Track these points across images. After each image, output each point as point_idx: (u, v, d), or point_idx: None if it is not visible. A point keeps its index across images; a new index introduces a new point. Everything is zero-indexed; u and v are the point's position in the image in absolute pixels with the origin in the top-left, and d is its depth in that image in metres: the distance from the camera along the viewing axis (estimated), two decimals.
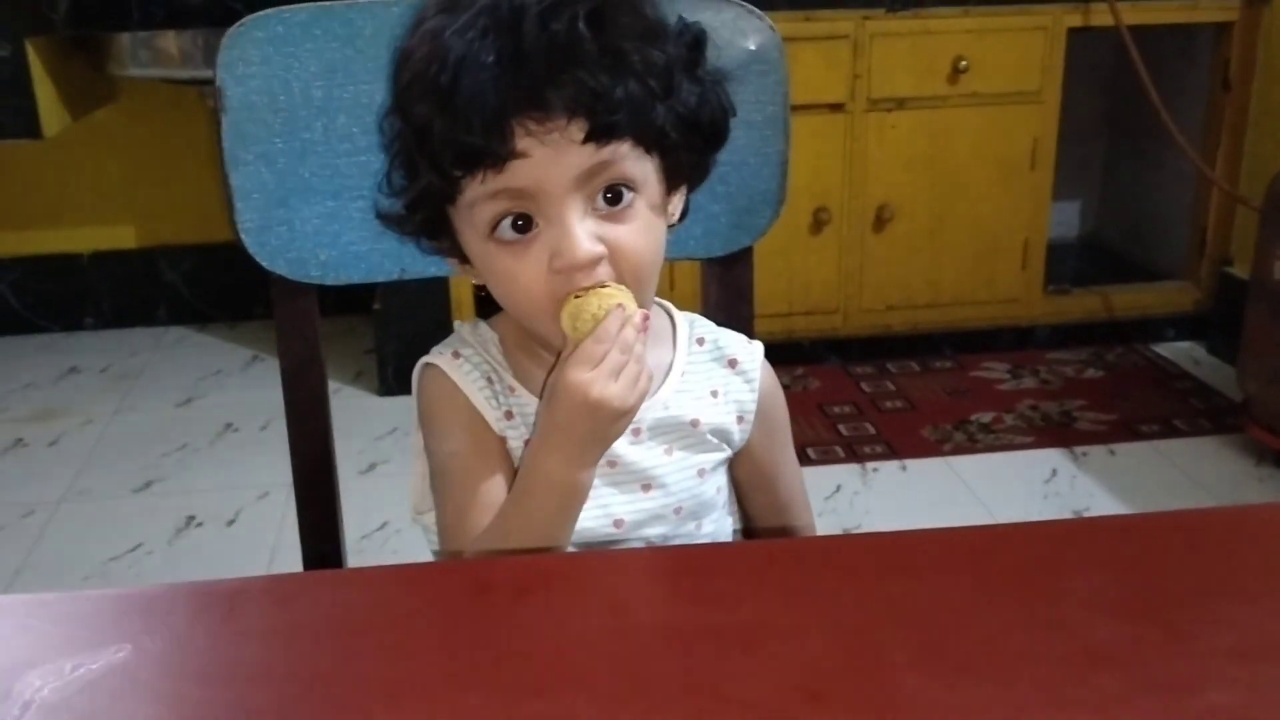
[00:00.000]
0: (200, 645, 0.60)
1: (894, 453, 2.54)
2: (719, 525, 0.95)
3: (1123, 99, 3.26)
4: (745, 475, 0.97)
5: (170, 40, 2.61)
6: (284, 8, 0.96)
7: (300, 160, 0.97)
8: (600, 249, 0.80)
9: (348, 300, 2.83)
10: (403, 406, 2.74)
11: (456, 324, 0.95)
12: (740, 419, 0.94)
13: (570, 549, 0.85)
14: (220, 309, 3.31)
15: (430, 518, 0.93)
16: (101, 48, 2.67)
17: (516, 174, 0.79)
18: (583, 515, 0.87)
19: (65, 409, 2.83)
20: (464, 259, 0.89)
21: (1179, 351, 3.04)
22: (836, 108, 2.71)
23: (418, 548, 2.32)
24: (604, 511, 0.89)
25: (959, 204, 2.84)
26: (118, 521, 2.33)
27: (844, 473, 2.45)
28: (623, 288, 0.81)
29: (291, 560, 2.18)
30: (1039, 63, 2.75)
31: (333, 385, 2.79)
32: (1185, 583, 0.63)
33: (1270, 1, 2.76)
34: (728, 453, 0.94)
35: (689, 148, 0.85)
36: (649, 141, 0.81)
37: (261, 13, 0.95)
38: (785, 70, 1.02)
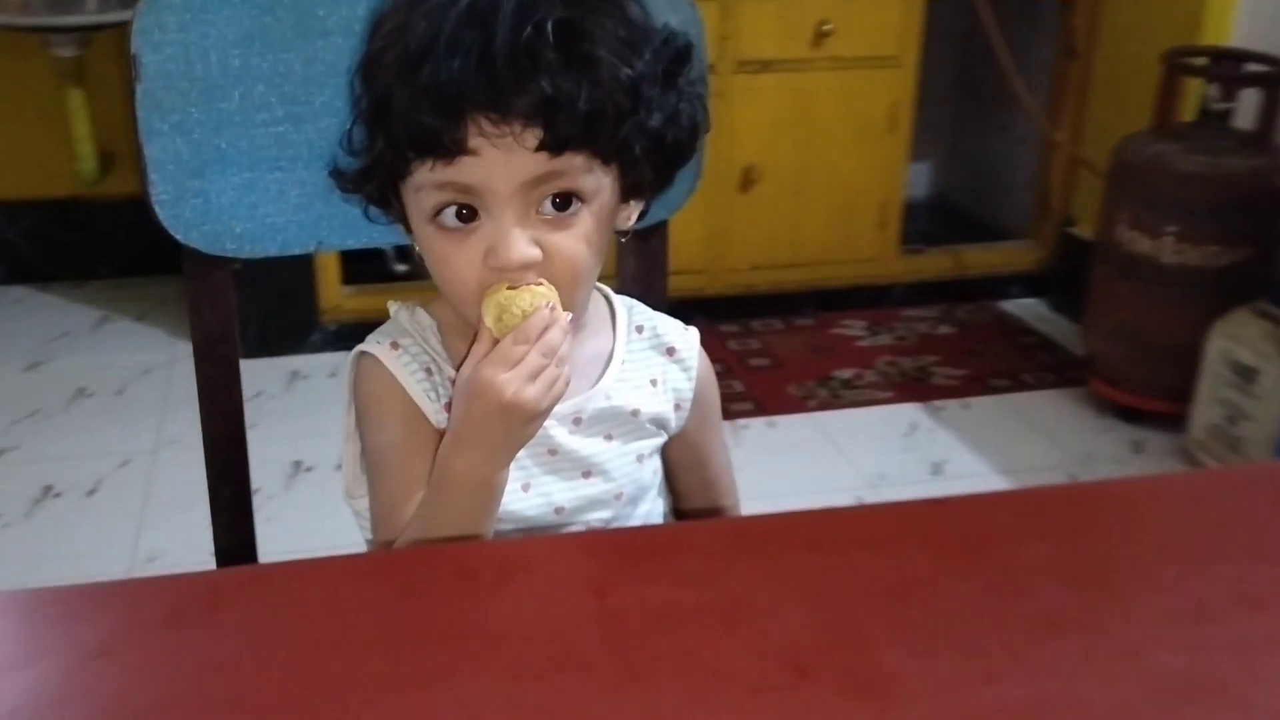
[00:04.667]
0: (181, 642, 0.59)
1: (762, 410, 2.60)
2: (653, 506, 0.97)
3: (973, 64, 3.37)
4: (677, 457, 0.99)
5: None
6: None
7: (216, 131, 0.95)
8: (535, 254, 0.80)
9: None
10: (267, 370, 2.68)
11: (392, 308, 0.93)
12: (678, 406, 0.95)
13: (513, 535, 0.85)
14: (63, 268, 3.16)
15: (362, 503, 0.92)
16: None
17: (465, 170, 0.78)
18: (524, 503, 0.88)
19: None
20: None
21: (1024, 308, 3.18)
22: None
23: (291, 514, 2.28)
24: (545, 499, 0.90)
25: (821, 166, 2.91)
26: None
27: None
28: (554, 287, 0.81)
29: (160, 531, 2.13)
30: (898, 28, 2.82)
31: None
32: (1125, 549, 0.68)
33: None
34: (664, 438, 0.96)
35: (651, 164, 0.84)
36: (607, 155, 0.80)
37: None
38: (705, 46, 1.03)
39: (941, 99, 3.46)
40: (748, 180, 2.85)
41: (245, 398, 2.72)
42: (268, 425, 2.46)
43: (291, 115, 0.95)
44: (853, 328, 3.01)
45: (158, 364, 2.72)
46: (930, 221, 3.46)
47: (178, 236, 0.96)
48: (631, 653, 0.58)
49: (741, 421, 2.54)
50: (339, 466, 0.95)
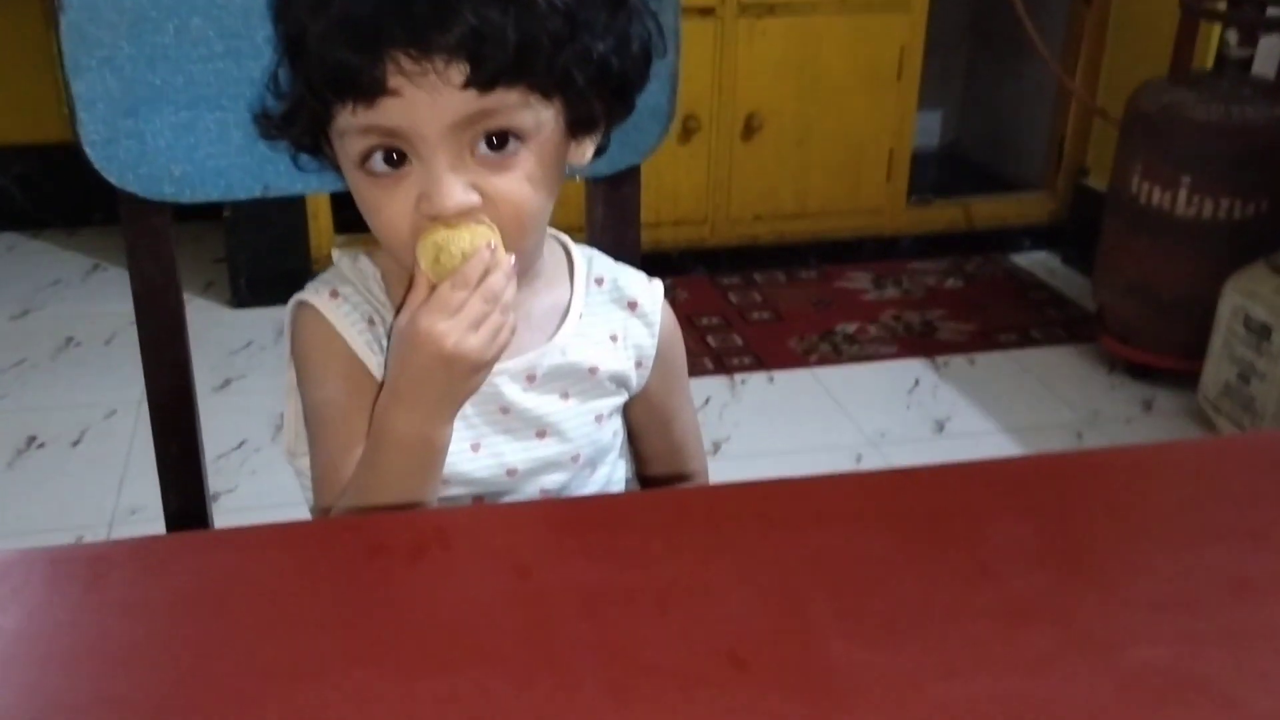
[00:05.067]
0: (60, 620, 0.54)
1: (761, 364, 2.54)
2: (613, 470, 0.91)
3: (986, 9, 3.27)
4: (640, 418, 0.93)
5: None
6: None
7: (150, 67, 0.88)
8: (473, 199, 0.73)
9: (196, 205, 2.68)
10: (257, 319, 2.63)
11: (335, 254, 0.87)
12: (639, 364, 0.89)
13: (463, 498, 0.80)
14: (56, 215, 3.11)
15: (304, 462, 0.86)
16: None
17: (387, 112, 0.72)
18: (474, 464, 0.82)
19: None
20: None
21: (1035, 262, 3.10)
22: (707, 12, 2.64)
23: (278, 467, 2.24)
24: (497, 460, 0.84)
25: (826, 113, 2.82)
26: None
27: (713, 385, 2.44)
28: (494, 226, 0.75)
29: (143, 484, 2.08)
30: None
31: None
32: (1103, 527, 0.62)
33: None
34: (625, 397, 0.90)
35: (599, 96, 0.77)
36: (545, 88, 0.73)
37: None
38: None
39: (953, 45, 3.36)
40: (750, 128, 2.77)
41: (234, 348, 2.68)
42: (257, 376, 2.42)
43: (232, 50, 0.89)
44: (857, 281, 2.94)
45: None
46: (940, 172, 3.37)
47: (111, 180, 0.90)
48: (551, 641, 0.53)
49: (740, 376, 2.48)
50: None
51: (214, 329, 2.57)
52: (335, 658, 0.51)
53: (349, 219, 2.73)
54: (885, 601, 0.56)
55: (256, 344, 2.54)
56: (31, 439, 2.21)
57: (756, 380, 2.49)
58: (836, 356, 2.59)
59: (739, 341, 2.62)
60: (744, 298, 2.83)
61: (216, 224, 2.72)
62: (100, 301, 2.75)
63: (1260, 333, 2.13)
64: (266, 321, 2.62)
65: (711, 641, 0.53)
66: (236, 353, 2.51)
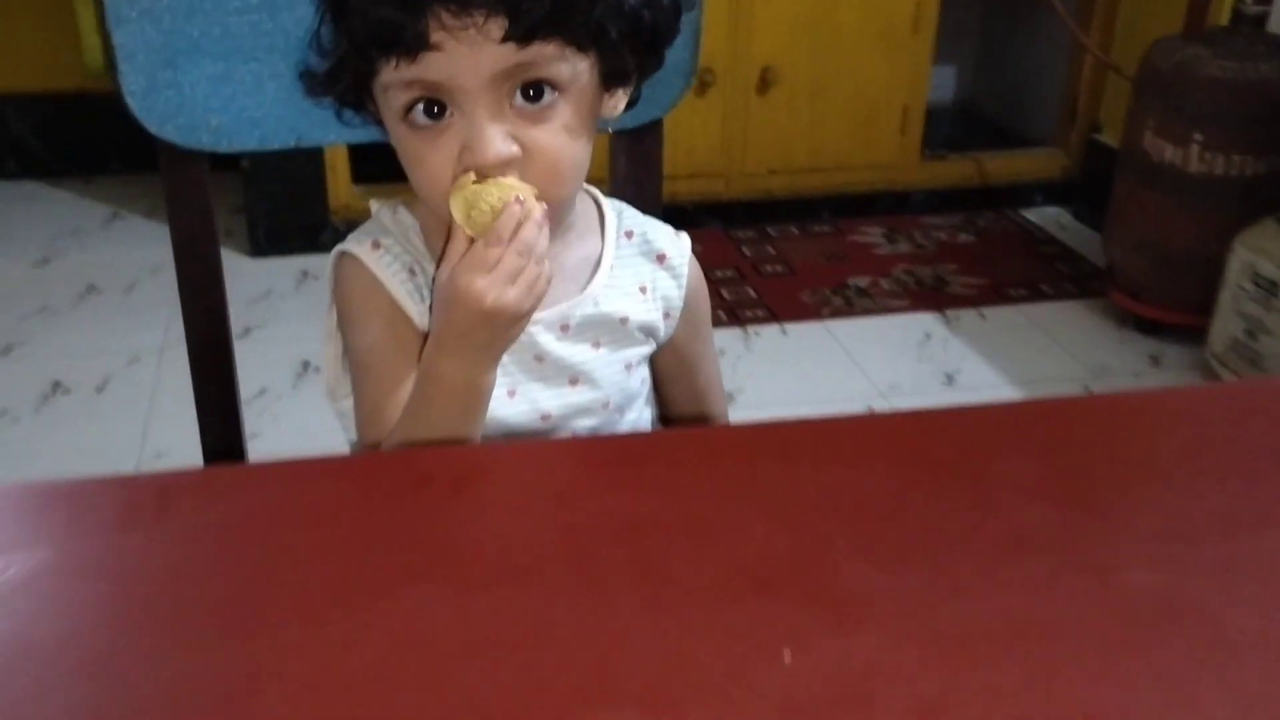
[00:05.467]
0: (132, 545, 0.58)
1: (774, 316, 2.57)
2: (640, 415, 0.95)
3: None
4: (666, 366, 0.96)
5: None
6: None
7: (188, 18, 0.91)
8: (513, 150, 0.76)
9: (213, 154, 2.71)
10: (276, 269, 2.67)
11: (374, 206, 0.90)
12: (667, 315, 0.93)
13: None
14: (74, 163, 3.14)
15: (346, 404, 0.90)
16: None
17: (429, 66, 0.75)
18: (510, 410, 0.85)
19: None
20: None
21: (1047, 217, 3.12)
22: None
23: (300, 413, 2.28)
24: (532, 406, 0.88)
25: (841, 67, 2.83)
26: None
27: (726, 337, 2.47)
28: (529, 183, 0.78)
29: (168, 428, 2.13)
30: None
31: None
32: (1105, 467, 0.66)
33: None
34: (653, 346, 0.93)
35: (631, 48, 0.80)
36: (581, 41, 0.76)
37: None
38: None
39: (968, 0, 3.36)
40: (765, 82, 2.78)
41: (253, 297, 2.71)
42: (276, 325, 2.46)
43: (267, 3, 0.92)
44: (870, 235, 2.96)
45: (167, 261, 2.70)
46: (954, 127, 3.38)
47: (151, 129, 0.93)
48: (589, 562, 0.57)
49: (754, 328, 2.52)
50: None
51: (233, 278, 2.55)
52: (392, 576, 0.55)
53: (367, 171, 2.76)
54: (897, 531, 0.60)
55: (276, 293, 2.58)
56: (56, 385, 2.25)
57: (769, 332, 2.52)
58: (849, 309, 2.62)
59: (753, 294, 2.65)
60: (758, 251, 2.86)
61: (235, 175, 2.75)
62: (120, 249, 2.79)
63: (1268, 289, 2.15)
64: (285, 271, 2.65)
65: (736, 564, 0.57)
66: (256, 302, 2.55)
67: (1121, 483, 0.65)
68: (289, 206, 2.68)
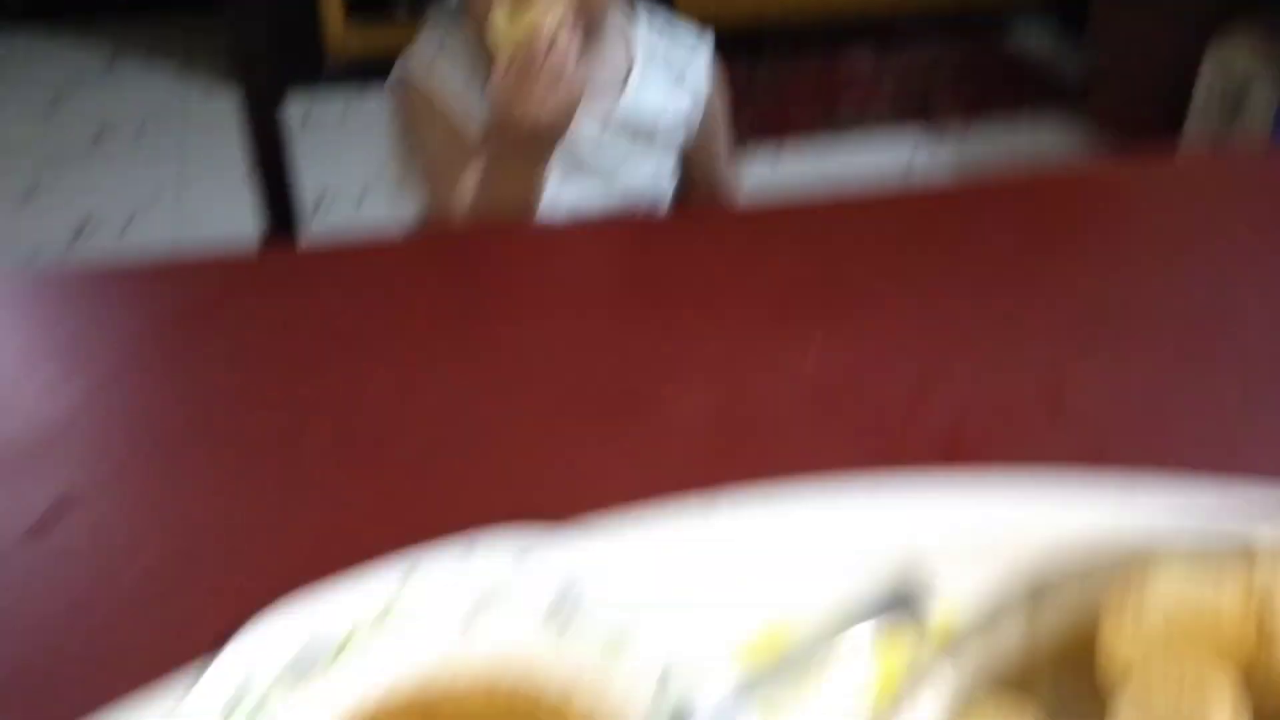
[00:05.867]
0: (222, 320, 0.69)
1: (766, 140, 2.66)
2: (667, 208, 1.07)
3: None
4: (690, 155, 1.08)
5: None
6: None
7: None
8: None
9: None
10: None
11: (425, 32, 0.99)
12: (694, 107, 1.04)
13: None
14: (68, 5, 3.15)
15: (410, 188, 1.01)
16: None
17: None
18: (542, 206, 0.97)
19: None
20: None
21: (1032, 37, 3.18)
22: None
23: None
24: (569, 205, 0.99)
25: None
26: (7, 233, 2.33)
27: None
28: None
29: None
30: None
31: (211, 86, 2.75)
32: (1068, 215, 0.79)
33: None
34: (680, 140, 1.04)
35: None
36: None
37: None
38: None
39: None
40: None
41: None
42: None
43: None
44: (859, 58, 3.03)
45: (172, 102, 2.77)
46: None
47: None
48: (655, 295, 0.70)
49: (746, 151, 2.60)
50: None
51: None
52: (475, 305, 0.69)
53: (359, 6, 2.78)
54: (902, 268, 0.73)
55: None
56: (85, 222, 2.33)
57: (761, 156, 2.61)
58: (838, 131, 2.71)
59: (745, 118, 2.73)
60: (750, 75, 2.93)
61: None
62: (126, 92, 2.84)
63: (1238, 96, 2.24)
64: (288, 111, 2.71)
65: (768, 294, 0.71)
66: None
67: (1080, 224, 0.79)
68: (283, 51, 2.72)
